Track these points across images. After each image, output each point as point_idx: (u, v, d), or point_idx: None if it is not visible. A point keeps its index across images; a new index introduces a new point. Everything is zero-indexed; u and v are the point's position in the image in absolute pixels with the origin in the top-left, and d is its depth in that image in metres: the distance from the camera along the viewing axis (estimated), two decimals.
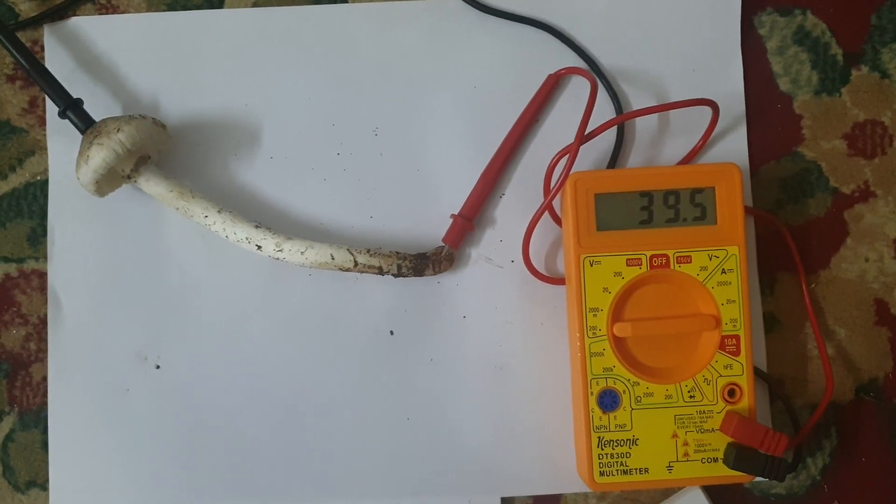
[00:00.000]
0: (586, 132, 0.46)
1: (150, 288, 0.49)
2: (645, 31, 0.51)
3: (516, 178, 0.50)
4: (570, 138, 0.47)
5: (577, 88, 0.51)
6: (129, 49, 0.50)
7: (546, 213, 0.48)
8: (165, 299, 0.49)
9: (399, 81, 0.50)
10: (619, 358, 0.44)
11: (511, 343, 0.49)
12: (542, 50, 0.51)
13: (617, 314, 0.45)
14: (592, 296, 0.45)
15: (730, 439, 0.44)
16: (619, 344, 0.45)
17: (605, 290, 0.45)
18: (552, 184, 0.48)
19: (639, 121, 0.50)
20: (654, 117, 0.50)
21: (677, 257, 0.45)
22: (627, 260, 0.45)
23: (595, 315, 0.45)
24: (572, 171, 0.45)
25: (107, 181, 0.47)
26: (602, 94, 0.50)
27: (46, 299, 0.49)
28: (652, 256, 0.45)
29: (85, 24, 0.50)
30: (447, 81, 0.50)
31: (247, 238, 0.47)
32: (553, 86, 0.50)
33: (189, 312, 0.49)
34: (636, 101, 0.51)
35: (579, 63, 0.50)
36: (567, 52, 0.51)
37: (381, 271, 0.47)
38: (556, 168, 0.48)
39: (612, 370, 0.45)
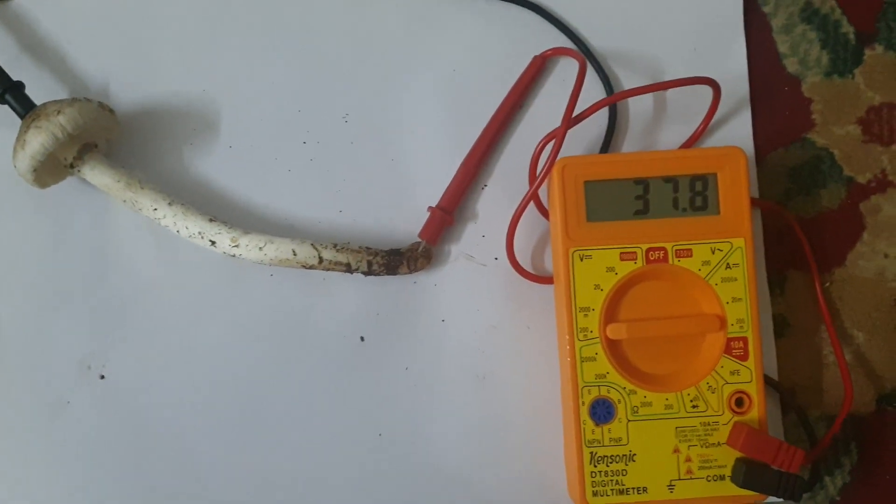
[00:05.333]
0: (574, 115, 0.42)
1: (95, 289, 0.45)
2: (638, 8, 0.47)
3: (500, 168, 0.46)
4: (557, 124, 0.43)
5: (566, 71, 0.47)
6: (76, 31, 0.47)
7: (532, 205, 0.44)
8: (111, 302, 0.45)
9: (372, 64, 0.47)
10: (614, 363, 0.40)
11: (495, 349, 0.44)
12: (526, 30, 0.47)
13: (610, 314, 0.40)
14: (583, 294, 0.40)
15: (738, 454, 0.39)
16: (614, 347, 0.40)
17: (597, 287, 0.40)
18: (538, 172, 0.44)
19: (633, 105, 0.46)
20: (649, 101, 0.46)
21: (676, 251, 0.41)
22: (621, 254, 0.41)
23: (586, 315, 0.40)
24: (559, 156, 0.41)
25: (47, 170, 0.43)
26: (593, 77, 0.46)
27: None
28: (648, 250, 0.41)
29: (29, 5, 0.47)
30: (424, 64, 0.47)
31: (199, 233, 0.43)
32: (539, 68, 0.46)
33: (137, 316, 0.45)
34: (629, 83, 0.47)
35: (567, 44, 0.47)
36: (554, 32, 0.47)
37: (349, 269, 0.43)
38: (543, 155, 0.44)
39: (605, 377, 0.40)
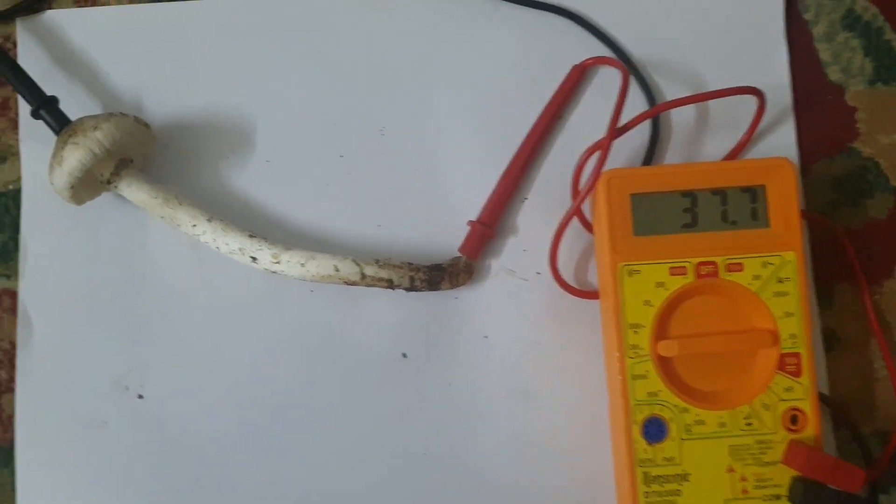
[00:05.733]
0: (618, 125, 0.41)
1: (133, 307, 0.44)
2: (678, 16, 0.46)
3: (540, 180, 0.45)
4: (598, 135, 0.42)
5: (605, 81, 0.46)
6: (110, 44, 0.46)
7: (575, 218, 0.43)
8: (149, 320, 0.44)
9: (408, 75, 0.46)
10: (665, 381, 0.39)
11: (539, 366, 0.43)
12: (564, 39, 0.46)
13: (661, 331, 0.39)
14: (632, 310, 0.39)
15: (795, 473, 0.38)
16: (665, 365, 0.39)
17: (647, 303, 0.39)
18: (581, 185, 0.43)
19: (675, 115, 0.45)
20: (690, 111, 0.45)
21: (727, 265, 0.40)
22: (671, 268, 0.40)
23: (636, 332, 0.39)
24: (605, 168, 0.40)
25: (84, 187, 0.42)
26: (632, 86, 0.45)
27: (17, 322, 0.44)
28: (698, 264, 0.39)
29: (61, 18, 0.47)
30: (461, 74, 0.46)
31: (240, 249, 0.42)
32: (578, 78, 0.45)
33: (176, 334, 0.44)
34: (670, 93, 0.46)
35: (605, 53, 0.46)
36: (592, 40, 0.46)
37: (391, 285, 0.42)
38: (586, 167, 0.43)
39: (657, 395, 0.39)
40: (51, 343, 0.44)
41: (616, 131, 0.41)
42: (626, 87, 0.42)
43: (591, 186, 0.41)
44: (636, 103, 0.45)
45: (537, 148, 0.45)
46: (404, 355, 0.44)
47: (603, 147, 0.41)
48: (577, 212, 0.42)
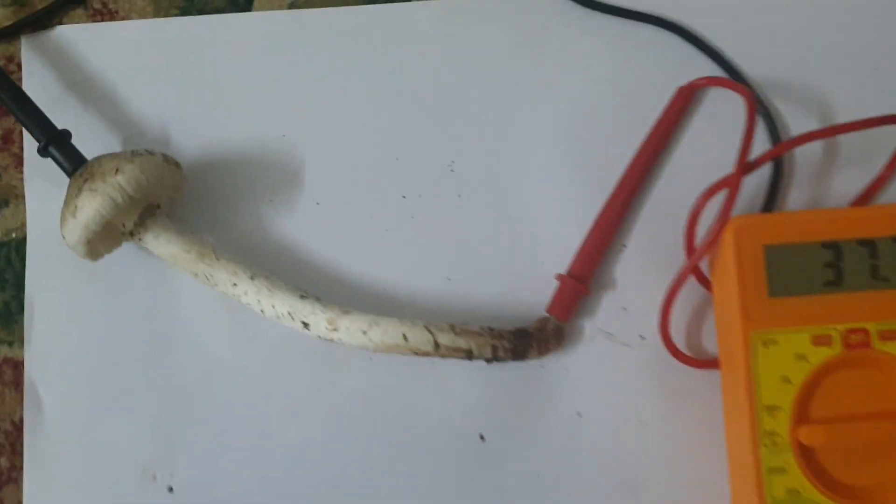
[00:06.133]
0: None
1: (161, 381, 0.38)
2: (802, 30, 0.40)
3: (643, 224, 0.39)
4: (711, 171, 0.36)
5: (715, 106, 0.39)
6: (131, 65, 0.41)
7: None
8: (181, 397, 0.38)
9: (481, 100, 0.40)
10: (809, 476, 0.32)
11: (646, 450, 0.37)
12: (666, 55, 0.40)
13: (802, 414, 0.33)
14: (768, 389, 0.33)
15: None
16: (808, 456, 0.33)
17: (785, 379, 0.33)
18: (698, 233, 0.36)
19: (798, 149, 0.38)
20: (817, 143, 0.38)
21: (880, 332, 0.33)
22: (813, 337, 0.33)
23: (772, 415, 0.33)
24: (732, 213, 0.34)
25: (102, 239, 0.36)
26: (741, 109, 0.38)
27: (22, 398, 0.38)
28: (846, 332, 0.33)
29: (74, 35, 0.41)
30: (543, 98, 0.40)
31: (289, 313, 0.35)
32: (686, 102, 0.39)
33: (212, 414, 0.38)
34: (793, 118, 0.39)
35: (714, 71, 0.39)
36: (699, 57, 0.40)
37: (469, 355, 0.35)
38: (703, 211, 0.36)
39: (799, 494, 0.32)
40: (64, 424, 0.38)
41: (745, 167, 0.34)
42: (754, 115, 0.35)
43: (716, 236, 0.34)
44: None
45: (639, 185, 0.38)
46: (482, 437, 0.37)
47: (732, 186, 0.34)
48: (694, 269, 0.35)
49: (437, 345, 0.35)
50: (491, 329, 0.36)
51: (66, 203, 0.34)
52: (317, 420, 0.37)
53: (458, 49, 0.40)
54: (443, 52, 0.40)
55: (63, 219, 0.34)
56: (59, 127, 0.37)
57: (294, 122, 0.40)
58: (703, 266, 0.37)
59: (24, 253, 0.39)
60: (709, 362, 0.37)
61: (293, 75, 0.41)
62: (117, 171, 0.34)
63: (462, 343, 0.35)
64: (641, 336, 0.38)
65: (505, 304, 0.38)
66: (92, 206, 0.33)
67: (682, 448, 0.37)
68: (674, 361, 0.37)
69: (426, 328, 0.35)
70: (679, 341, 0.37)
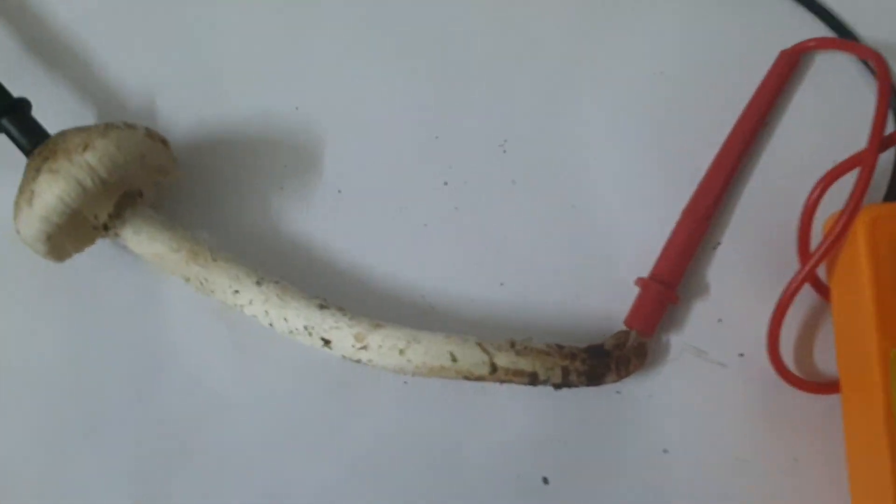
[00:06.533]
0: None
1: (145, 415, 0.32)
2: None
3: (739, 217, 0.32)
4: (822, 152, 0.31)
5: (825, 74, 0.33)
6: (109, 21, 0.35)
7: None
8: (169, 433, 0.31)
9: (537, 69, 0.34)
10: None
11: (747, 493, 0.30)
12: (762, 14, 0.34)
13: None
14: None
15: None
16: None
17: None
18: (814, 226, 0.30)
19: None
20: None
21: None
22: None
23: None
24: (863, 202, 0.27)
25: (68, 235, 0.30)
26: (863, 78, 0.32)
27: None
28: None
29: None
30: (614, 66, 0.34)
31: (305, 328, 0.29)
32: (790, 69, 0.33)
33: (208, 454, 0.31)
34: None
35: (822, 32, 0.33)
36: (804, 15, 0.34)
37: (534, 380, 0.28)
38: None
39: None
40: (22, 468, 0.31)
41: (882, 142, 0.28)
42: (888, 81, 0.28)
43: (843, 231, 0.27)
44: (865, 102, 0.32)
45: (735, 169, 0.32)
46: (545, 480, 0.31)
47: (865, 165, 0.27)
48: (811, 275, 0.28)
49: (493, 367, 0.28)
50: (560, 347, 0.29)
51: (21, 189, 0.28)
52: (338, 461, 0.31)
53: (512, 9, 0.34)
54: (492, 13, 0.35)
55: (17, 208, 0.28)
56: (17, 96, 0.30)
57: (310, 91, 0.34)
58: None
59: None
60: (826, 385, 0.30)
61: (309, 34, 0.35)
62: (86, 147, 0.27)
63: (525, 365, 0.28)
64: (740, 353, 0.31)
65: (571, 316, 0.31)
66: (52, 192, 0.27)
67: (792, 492, 0.30)
68: (782, 384, 0.30)
69: (480, 346, 0.28)
70: (786, 359, 0.30)
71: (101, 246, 0.32)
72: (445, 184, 0.33)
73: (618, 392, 0.31)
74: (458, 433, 0.31)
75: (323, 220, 0.33)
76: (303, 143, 0.33)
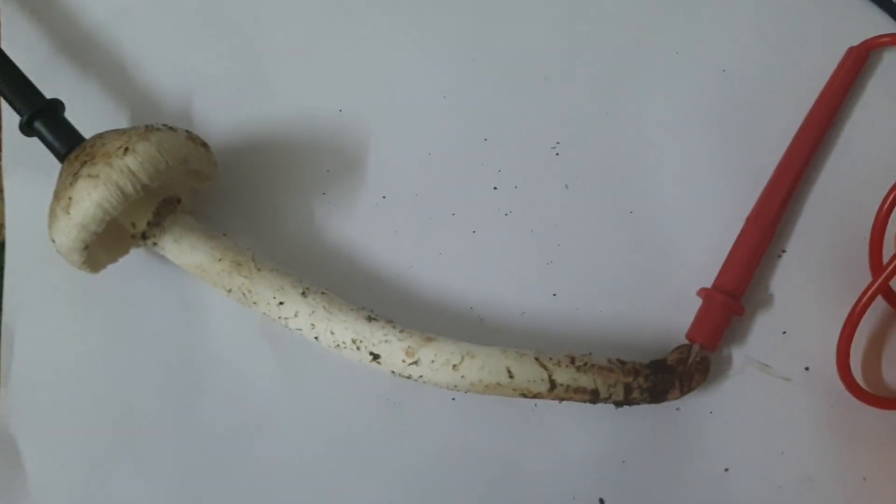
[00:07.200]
0: None
1: (184, 432, 0.30)
2: None
3: (805, 223, 0.31)
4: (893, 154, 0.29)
5: (894, 71, 0.31)
6: (144, 20, 0.33)
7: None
8: (209, 451, 0.30)
9: (593, 67, 0.33)
10: None
11: None
12: (829, 10, 0.32)
13: None
14: None
15: None
16: None
17: None
18: (886, 234, 0.28)
19: None
20: None
21: None
22: None
23: None
24: None
25: (105, 244, 0.28)
26: None
27: None
28: None
29: None
30: (676, 64, 0.33)
31: (353, 341, 0.27)
32: (858, 67, 0.31)
33: (250, 473, 0.29)
34: None
35: (892, 28, 0.32)
36: (871, 10, 0.32)
37: (595, 398, 0.27)
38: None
39: None
40: (54, 490, 0.29)
41: None
42: None
43: None
44: None
45: (802, 173, 0.30)
46: (602, 502, 0.29)
47: None
48: (884, 287, 0.27)
49: (552, 384, 0.26)
50: (622, 362, 0.27)
51: (57, 195, 0.26)
52: (385, 482, 0.29)
53: (566, 4, 0.32)
54: (545, 9, 0.33)
55: (52, 216, 0.26)
56: (49, 97, 0.28)
57: (355, 93, 0.32)
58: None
59: (2, 263, 0.31)
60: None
61: (354, 34, 0.33)
62: (126, 150, 0.25)
63: (586, 381, 0.27)
64: (806, 367, 0.29)
65: (628, 328, 0.30)
66: (91, 199, 0.25)
67: None
68: (850, 399, 0.29)
69: (538, 361, 0.27)
70: (859, 375, 0.29)
71: (138, 255, 0.30)
72: (495, 189, 0.31)
73: (678, 409, 0.29)
74: (510, 452, 0.29)
75: (366, 227, 0.31)
76: (346, 146, 0.32)
